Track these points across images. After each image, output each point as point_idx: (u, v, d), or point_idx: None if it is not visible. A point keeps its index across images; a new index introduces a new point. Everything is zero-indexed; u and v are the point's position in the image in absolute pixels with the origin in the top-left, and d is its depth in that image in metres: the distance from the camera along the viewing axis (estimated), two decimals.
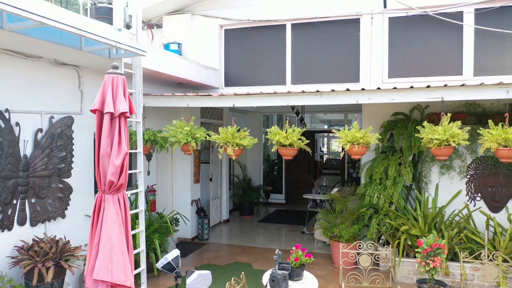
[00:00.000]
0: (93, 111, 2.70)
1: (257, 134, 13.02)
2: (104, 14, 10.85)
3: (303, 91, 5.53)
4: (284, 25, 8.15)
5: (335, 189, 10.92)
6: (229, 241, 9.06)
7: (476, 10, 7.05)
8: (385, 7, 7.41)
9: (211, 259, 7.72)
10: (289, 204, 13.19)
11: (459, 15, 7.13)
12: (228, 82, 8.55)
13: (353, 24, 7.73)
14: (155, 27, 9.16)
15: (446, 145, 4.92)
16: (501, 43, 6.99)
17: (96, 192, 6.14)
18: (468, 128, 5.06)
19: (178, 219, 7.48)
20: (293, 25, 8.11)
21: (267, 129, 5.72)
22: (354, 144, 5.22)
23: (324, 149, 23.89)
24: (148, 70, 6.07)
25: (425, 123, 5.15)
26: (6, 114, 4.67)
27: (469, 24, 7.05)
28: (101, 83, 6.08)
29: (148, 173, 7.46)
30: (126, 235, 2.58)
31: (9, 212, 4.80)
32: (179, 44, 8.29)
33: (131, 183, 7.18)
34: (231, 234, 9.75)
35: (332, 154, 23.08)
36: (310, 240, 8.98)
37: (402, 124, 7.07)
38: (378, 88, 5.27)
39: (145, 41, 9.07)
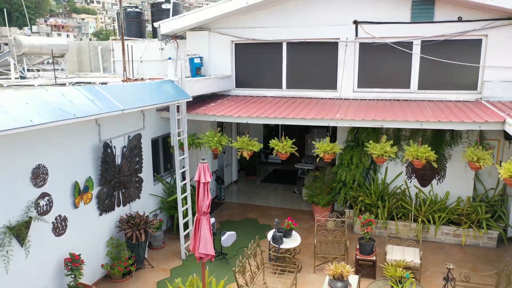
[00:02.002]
0: (196, 180, 5.59)
1: None
2: (133, 18, 13.24)
3: (294, 117, 8.36)
4: (281, 43, 10.67)
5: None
6: (239, 200, 12.29)
7: (422, 42, 9.63)
8: (356, 36, 9.95)
9: (229, 216, 10.98)
10: (284, 164, 16.33)
11: (409, 45, 9.72)
12: (238, 85, 11.22)
13: (333, 46, 10.27)
14: (179, 38, 11.57)
15: (381, 157, 7.91)
16: (439, 66, 9.66)
17: (154, 179, 9.20)
18: (395, 147, 7.99)
19: None
20: (288, 44, 10.63)
21: (270, 143, 8.61)
22: (325, 153, 8.20)
23: None
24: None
25: (371, 141, 8.07)
26: (110, 143, 7.54)
27: (416, 53, 9.68)
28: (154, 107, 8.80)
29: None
30: (210, 233, 5.56)
31: (113, 200, 7.86)
32: (201, 57, 10.83)
33: (173, 166, 10.23)
34: (240, 193, 12.98)
35: None
36: (299, 198, 12.22)
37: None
38: (342, 119, 8.11)
39: (172, 51, 11.59)
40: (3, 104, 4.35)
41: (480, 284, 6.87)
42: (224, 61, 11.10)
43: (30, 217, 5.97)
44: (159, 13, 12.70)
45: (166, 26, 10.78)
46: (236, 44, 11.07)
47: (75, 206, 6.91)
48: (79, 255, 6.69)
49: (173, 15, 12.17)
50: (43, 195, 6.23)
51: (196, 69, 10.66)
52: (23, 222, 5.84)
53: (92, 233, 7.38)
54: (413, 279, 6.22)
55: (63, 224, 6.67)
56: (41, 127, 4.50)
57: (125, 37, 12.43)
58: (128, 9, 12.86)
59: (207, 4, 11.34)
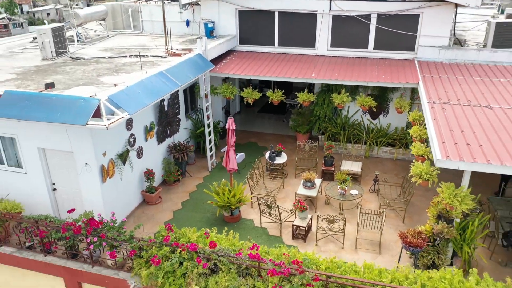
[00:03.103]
0: (227, 129, 9.57)
1: None
2: None
3: (283, 76, 12.18)
4: (274, 12, 14.01)
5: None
6: (242, 127, 16.46)
7: (378, 15, 13.12)
8: (330, 9, 13.36)
9: (236, 140, 15.16)
10: None
11: (368, 17, 13.21)
12: (241, 42, 14.73)
13: (313, 16, 13.68)
14: (194, 4, 14.72)
15: (340, 104, 12.01)
16: (389, 33, 13.26)
17: (185, 117, 13.24)
18: (350, 98, 12.01)
19: (220, 122, 14.73)
20: (279, 13, 13.99)
21: (267, 93, 12.53)
22: (304, 101, 12.25)
23: None
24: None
25: (334, 93, 12.08)
26: (163, 100, 11.44)
27: (373, 23, 13.22)
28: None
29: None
30: (234, 157, 9.76)
31: (164, 134, 11.98)
32: (213, 22, 14.18)
33: (197, 106, 14.20)
34: (243, 122, 17.12)
35: None
36: (286, 126, 16.42)
37: None
38: (316, 78, 11.97)
39: (189, 14, 14.84)
40: (131, 94, 8.22)
41: (393, 183, 11.45)
42: (230, 24, 14.48)
43: (128, 149, 10.14)
44: None
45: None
46: (240, 11, 14.37)
47: (146, 140, 11.05)
48: (152, 169, 11.02)
49: None
50: (131, 135, 10.33)
51: (210, 32, 14.08)
52: (125, 151, 10.01)
53: (155, 156, 11.62)
54: (350, 181, 10.68)
55: (141, 151, 10.86)
56: (148, 106, 8.45)
57: (150, 1, 15.51)
58: None
59: None
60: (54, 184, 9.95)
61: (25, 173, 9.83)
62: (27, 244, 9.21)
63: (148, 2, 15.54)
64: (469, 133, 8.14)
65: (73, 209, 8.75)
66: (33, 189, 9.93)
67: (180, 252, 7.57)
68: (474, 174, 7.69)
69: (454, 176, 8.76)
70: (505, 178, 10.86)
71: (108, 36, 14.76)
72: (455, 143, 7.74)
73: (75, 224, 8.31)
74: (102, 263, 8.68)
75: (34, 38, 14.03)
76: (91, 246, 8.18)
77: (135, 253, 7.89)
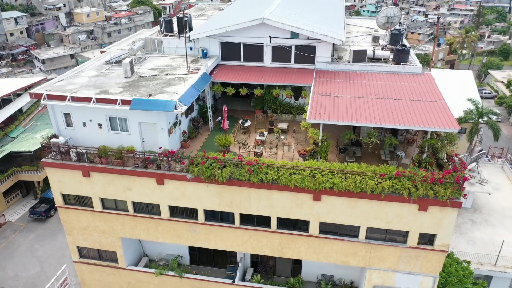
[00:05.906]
0: (223, 109, 21.00)
1: None
2: (167, 22, 27.58)
3: (246, 80, 23.92)
4: (241, 43, 25.55)
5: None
6: (223, 107, 28.15)
7: (295, 46, 24.99)
8: (270, 42, 25.09)
9: (220, 115, 26.93)
10: None
11: (291, 47, 25.06)
12: (222, 59, 26.23)
13: (261, 46, 25.33)
14: (196, 39, 25.92)
15: (276, 94, 24.03)
16: (302, 55, 25.16)
17: (195, 103, 25.05)
18: (281, 91, 24.00)
19: (212, 104, 26.37)
20: (243, 44, 25.55)
21: (239, 89, 24.24)
22: (258, 93, 24.17)
23: None
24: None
25: (273, 89, 24.07)
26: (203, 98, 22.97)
27: (292, 50, 25.10)
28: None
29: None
30: (226, 123, 21.14)
31: (188, 113, 23.57)
32: (206, 49, 25.56)
33: (200, 97, 25.86)
34: (223, 103, 28.76)
35: None
36: (250, 105, 28.19)
37: None
38: (263, 81, 23.76)
39: (192, 43, 26.20)
40: (185, 97, 19.69)
41: (302, 132, 23.72)
42: (216, 49, 25.90)
43: (176, 120, 21.71)
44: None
45: (192, 36, 25.22)
46: (221, 42, 25.78)
47: (181, 116, 22.60)
48: (185, 130, 22.70)
49: (190, 24, 26.32)
50: (177, 114, 21.90)
51: (205, 55, 25.49)
52: (176, 122, 21.57)
53: (185, 124, 23.20)
54: (281, 132, 22.73)
55: (180, 122, 22.41)
56: (191, 102, 20.04)
57: (166, 33, 26.69)
58: (165, 18, 26.54)
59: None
60: (143, 139, 21.42)
61: (129, 134, 21.24)
62: (136, 165, 20.76)
63: (166, 35, 26.59)
64: (323, 108, 20.37)
65: (161, 147, 20.40)
66: (133, 142, 21.35)
67: (210, 159, 19.50)
68: (341, 128, 19.96)
69: (323, 127, 20.98)
70: (354, 128, 23.32)
71: (145, 58, 25.81)
72: (315, 113, 19.95)
73: (164, 152, 19.98)
74: (173, 169, 20.41)
75: (106, 62, 24.89)
76: (171, 161, 19.91)
77: (192, 161, 19.73)
